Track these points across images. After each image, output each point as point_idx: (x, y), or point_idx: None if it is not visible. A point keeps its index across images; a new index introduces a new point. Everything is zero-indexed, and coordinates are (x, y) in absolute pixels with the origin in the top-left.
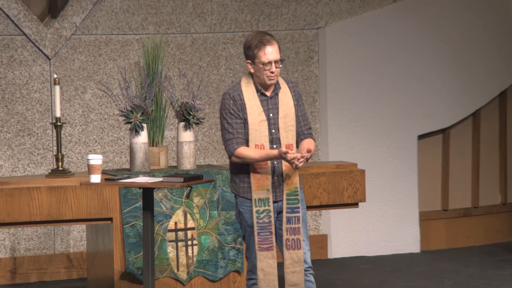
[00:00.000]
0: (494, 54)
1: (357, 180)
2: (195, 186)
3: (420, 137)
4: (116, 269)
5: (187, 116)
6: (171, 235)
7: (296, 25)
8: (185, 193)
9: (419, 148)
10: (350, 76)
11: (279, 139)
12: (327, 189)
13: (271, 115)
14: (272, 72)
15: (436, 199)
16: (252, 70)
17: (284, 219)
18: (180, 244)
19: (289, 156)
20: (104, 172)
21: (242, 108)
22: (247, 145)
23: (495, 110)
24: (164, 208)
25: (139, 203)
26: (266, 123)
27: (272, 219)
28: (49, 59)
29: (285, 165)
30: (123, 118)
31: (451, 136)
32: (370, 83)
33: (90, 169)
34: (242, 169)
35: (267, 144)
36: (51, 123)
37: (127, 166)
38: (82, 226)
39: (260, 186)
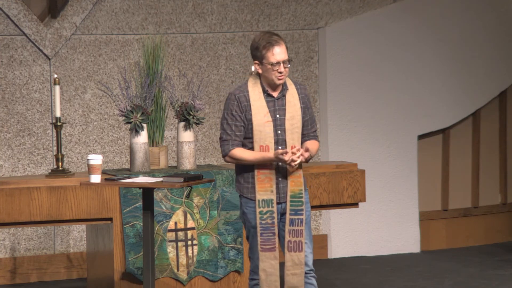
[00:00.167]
0: (494, 54)
1: (357, 180)
2: (195, 186)
3: (420, 137)
4: (116, 269)
5: (187, 116)
6: (171, 235)
7: (296, 25)
8: (185, 193)
9: (419, 148)
10: (350, 76)
11: (285, 140)
12: (327, 189)
13: (277, 116)
14: (280, 73)
15: (436, 199)
16: (260, 71)
17: (287, 221)
18: (180, 244)
19: (286, 157)
20: (104, 172)
21: (247, 109)
22: (252, 146)
23: (495, 110)
24: (164, 208)
25: (139, 203)
26: (271, 124)
27: (276, 220)
28: (49, 59)
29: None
30: (123, 118)
31: (451, 136)
32: (370, 83)
33: (90, 169)
34: (247, 169)
35: (272, 145)
36: (51, 123)
37: (127, 166)
38: (82, 226)
39: (264, 187)
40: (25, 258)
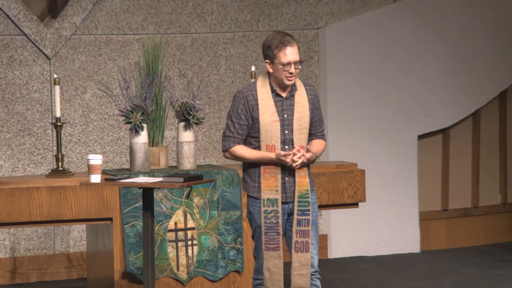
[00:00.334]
0: (494, 54)
1: (357, 180)
2: (195, 186)
3: (420, 137)
4: (116, 269)
5: (187, 116)
6: (171, 235)
7: (296, 25)
8: (185, 193)
9: (419, 148)
10: (350, 76)
11: (292, 140)
12: (327, 189)
13: (285, 115)
14: (291, 73)
15: (436, 199)
16: (270, 70)
17: (295, 221)
18: (180, 244)
19: (288, 159)
20: (104, 172)
21: (254, 108)
22: (259, 145)
23: (495, 110)
24: (164, 208)
25: (139, 203)
26: (278, 123)
27: (280, 220)
28: (49, 59)
29: None
30: (123, 118)
31: (451, 136)
32: (370, 83)
33: (90, 169)
34: (253, 169)
35: (278, 144)
36: (51, 123)
37: (127, 166)
38: (82, 226)
39: (269, 187)
40: (25, 258)
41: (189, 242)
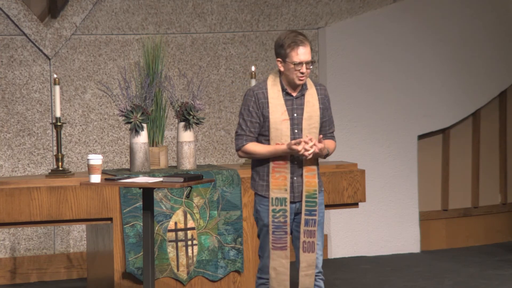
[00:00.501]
0: (494, 54)
1: (357, 180)
2: (195, 186)
3: (420, 137)
4: (116, 269)
5: (187, 116)
6: (171, 235)
7: (296, 25)
8: (185, 193)
9: (419, 148)
10: (350, 76)
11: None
12: (327, 189)
13: (295, 115)
14: (302, 73)
15: (436, 199)
16: (282, 69)
17: (302, 221)
18: (180, 244)
19: (299, 147)
20: (104, 172)
21: (264, 106)
22: (268, 144)
23: (495, 110)
24: (164, 208)
25: (139, 203)
26: (288, 122)
27: (288, 219)
28: (49, 59)
29: (305, 167)
30: (123, 118)
31: (451, 136)
32: (370, 83)
33: (90, 169)
34: (262, 167)
35: None
36: (51, 123)
37: (127, 166)
38: (82, 226)
39: (278, 185)
40: (25, 258)
41: (189, 242)
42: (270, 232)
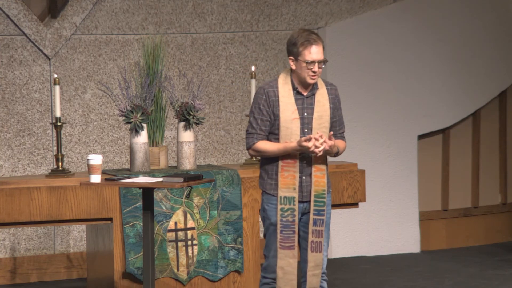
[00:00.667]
0: (494, 54)
1: (357, 180)
2: (195, 186)
3: (420, 137)
4: (116, 269)
5: (187, 116)
6: (171, 235)
7: (296, 25)
8: (185, 193)
9: (419, 148)
10: (350, 76)
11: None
12: None
13: (305, 114)
14: (314, 72)
15: (436, 199)
16: (293, 67)
17: (311, 221)
18: (180, 244)
19: (310, 144)
20: (104, 172)
21: (274, 104)
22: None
23: (495, 110)
24: (164, 208)
25: (139, 203)
26: (298, 121)
27: (296, 219)
28: (49, 59)
29: (314, 166)
30: (123, 118)
31: (451, 136)
32: (370, 83)
33: (90, 169)
34: (271, 166)
35: None
36: (51, 123)
37: (127, 166)
38: (82, 226)
39: (286, 184)
40: (25, 258)
41: (189, 242)
42: (278, 231)
